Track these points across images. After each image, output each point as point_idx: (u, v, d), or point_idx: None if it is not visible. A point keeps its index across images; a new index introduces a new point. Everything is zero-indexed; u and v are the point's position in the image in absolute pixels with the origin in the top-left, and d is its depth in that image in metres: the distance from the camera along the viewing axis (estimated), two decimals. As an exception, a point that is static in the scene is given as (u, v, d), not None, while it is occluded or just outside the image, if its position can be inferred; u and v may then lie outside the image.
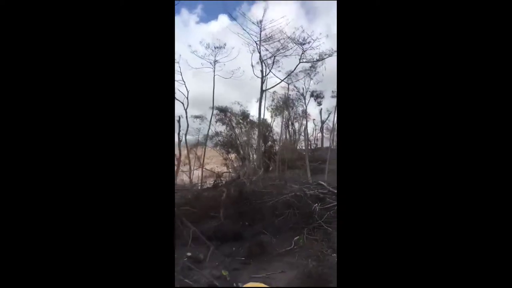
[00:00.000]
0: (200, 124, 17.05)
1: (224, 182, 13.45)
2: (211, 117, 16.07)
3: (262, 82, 14.71)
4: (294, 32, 13.40)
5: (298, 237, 5.46)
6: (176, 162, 14.29)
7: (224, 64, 14.14)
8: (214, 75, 14.37)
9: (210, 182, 14.20)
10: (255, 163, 15.95)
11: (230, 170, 16.99)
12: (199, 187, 13.21)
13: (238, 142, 19.05)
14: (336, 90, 15.43)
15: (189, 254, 4.50)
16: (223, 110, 17.80)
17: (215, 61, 14.06)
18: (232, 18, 27.14)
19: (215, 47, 13.87)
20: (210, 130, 16.84)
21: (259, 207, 6.59)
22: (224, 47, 13.91)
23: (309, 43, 13.56)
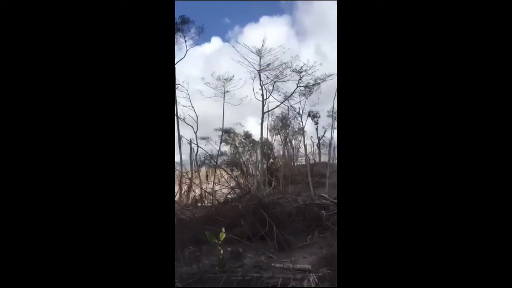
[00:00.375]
0: (205, 145, 18.59)
1: (232, 197, 14.72)
2: (221, 138, 17.57)
3: (263, 105, 16.30)
4: (291, 61, 15.16)
5: (311, 236, 6.87)
6: (188, 182, 15.59)
7: (234, 94, 15.87)
8: (223, 103, 16.06)
9: (220, 198, 15.44)
10: (259, 180, 17.22)
11: (236, 186, 18.28)
12: (210, 203, 14.44)
13: (241, 160, 20.44)
14: (331, 110, 17.12)
15: (229, 249, 5.82)
16: (226, 131, 19.30)
17: (225, 91, 15.80)
18: (225, 40, 29.16)
19: (225, 79, 15.65)
20: (215, 150, 18.41)
21: (275, 215, 7.97)
22: (233, 79, 15.70)
23: (305, 70, 15.30)
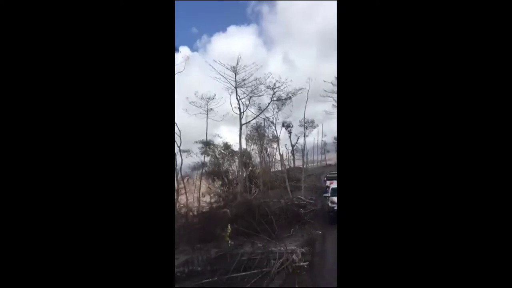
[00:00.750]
0: (186, 157, 19.76)
1: (219, 205, 16.04)
2: (204, 151, 18.93)
3: (241, 118, 17.81)
4: (264, 78, 16.82)
5: (293, 228, 8.63)
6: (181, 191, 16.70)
7: (218, 111, 17.44)
8: (207, 119, 17.57)
9: (205, 206, 16.68)
10: (241, 187, 18.64)
11: (222, 194, 19.62)
12: (198, 212, 15.68)
13: (222, 170, 21.77)
14: (302, 120, 18.96)
15: (232, 242, 7.32)
16: (206, 143, 20.57)
17: (209, 109, 17.36)
18: (193, 50, 29.62)
19: (208, 98, 17.19)
20: (196, 162, 19.78)
21: (265, 214, 9.64)
22: (214, 97, 17.29)
23: (278, 87, 17.05)
